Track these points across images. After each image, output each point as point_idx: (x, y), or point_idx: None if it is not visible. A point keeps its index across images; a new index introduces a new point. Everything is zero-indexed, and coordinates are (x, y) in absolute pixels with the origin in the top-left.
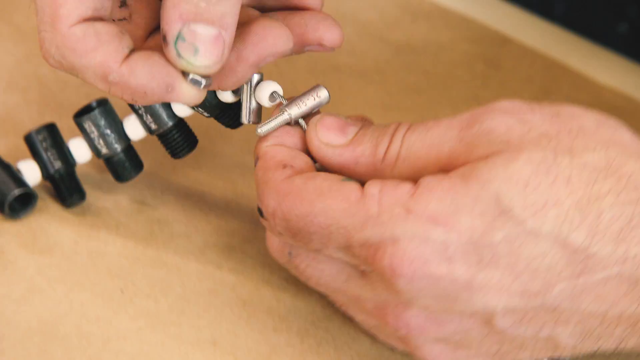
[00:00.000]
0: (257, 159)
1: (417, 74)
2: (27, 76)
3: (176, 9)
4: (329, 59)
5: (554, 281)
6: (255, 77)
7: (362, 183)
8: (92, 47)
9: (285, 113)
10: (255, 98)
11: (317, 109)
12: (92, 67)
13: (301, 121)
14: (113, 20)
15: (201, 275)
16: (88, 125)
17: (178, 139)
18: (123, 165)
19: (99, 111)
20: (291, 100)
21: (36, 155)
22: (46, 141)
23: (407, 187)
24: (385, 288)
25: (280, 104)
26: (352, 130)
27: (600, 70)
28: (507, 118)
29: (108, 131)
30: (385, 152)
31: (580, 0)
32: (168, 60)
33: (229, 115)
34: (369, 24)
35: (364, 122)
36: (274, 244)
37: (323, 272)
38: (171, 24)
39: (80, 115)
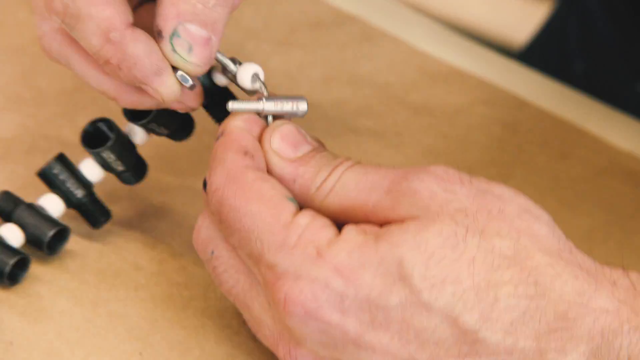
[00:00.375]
0: (221, 133)
1: (434, 137)
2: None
3: (174, 7)
4: (347, 121)
5: (441, 356)
6: (235, 66)
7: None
8: (105, 0)
9: (260, 103)
10: (237, 80)
11: (290, 117)
12: (98, 19)
13: (270, 119)
14: None
15: (219, 339)
16: (106, 154)
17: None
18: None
19: (114, 139)
20: (272, 96)
21: (55, 188)
22: (62, 173)
23: (330, 232)
24: (280, 320)
25: (260, 94)
26: (304, 148)
27: (618, 135)
28: (434, 184)
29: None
30: (322, 182)
31: (599, 59)
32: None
33: (219, 104)
34: (387, 86)
35: (319, 146)
36: (200, 236)
37: (237, 282)
38: (168, 21)
39: (91, 142)
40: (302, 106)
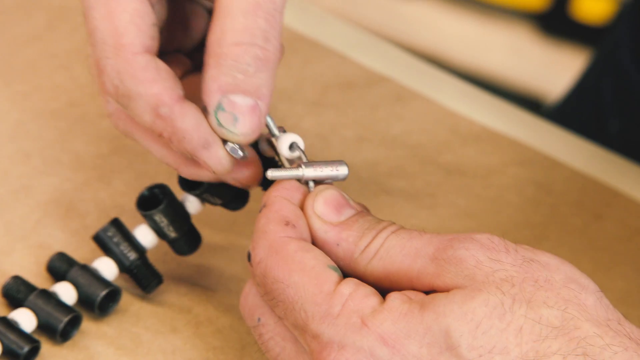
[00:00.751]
0: (263, 205)
1: (468, 198)
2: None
3: (215, 82)
4: (380, 182)
5: None
6: (278, 133)
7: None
8: (152, 77)
9: (300, 170)
10: (277, 148)
11: (331, 181)
12: (147, 97)
13: (311, 184)
14: None
15: None
16: (158, 217)
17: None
18: (184, 243)
19: (166, 203)
20: (312, 161)
21: (109, 252)
22: (116, 236)
23: (374, 301)
24: None
25: (300, 161)
26: (347, 212)
27: None
28: (479, 253)
29: (172, 218)
30: (366, 247)
31: (634, 118)
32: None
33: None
34: (419, 146)
35: (362, 210)
36: (247, 303)
37: (284, 350)
38: (211, 96)
39: (146, 206)
40: (343, 169)
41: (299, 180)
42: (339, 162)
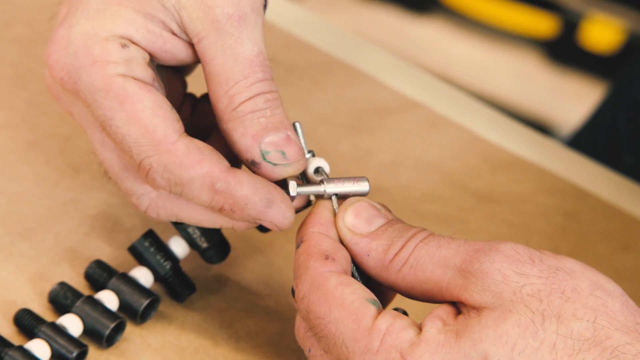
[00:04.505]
0: (300, 241)
1: (498, 224)
2: None
3: (247, 137)
4: (414, 206)
5: None
6: (308, 155)
7: (385, 297)
8: (198, 159)
9: (322, 186)
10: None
11: (352, 196)
12: (200, 178)
13: (334, 199)
14: None
15: None
16: (192, 229)
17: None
18: (215, 253)
19: None
20: (333, 178)
21: (145, 262)
22: (152, 246)
23: (411, 333)
24: None
25: (321, 176)
26: (377, 222)
27: None
28: (505, 266)
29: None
30: (395, 255)
31: None
32: (266, 178)
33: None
34: (451, 172)
35: (393, 219)
36: (300, 334)
37: None
38: (252, 149)
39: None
40: (363, 185)
41: (321, 195)
42: (361, 177)
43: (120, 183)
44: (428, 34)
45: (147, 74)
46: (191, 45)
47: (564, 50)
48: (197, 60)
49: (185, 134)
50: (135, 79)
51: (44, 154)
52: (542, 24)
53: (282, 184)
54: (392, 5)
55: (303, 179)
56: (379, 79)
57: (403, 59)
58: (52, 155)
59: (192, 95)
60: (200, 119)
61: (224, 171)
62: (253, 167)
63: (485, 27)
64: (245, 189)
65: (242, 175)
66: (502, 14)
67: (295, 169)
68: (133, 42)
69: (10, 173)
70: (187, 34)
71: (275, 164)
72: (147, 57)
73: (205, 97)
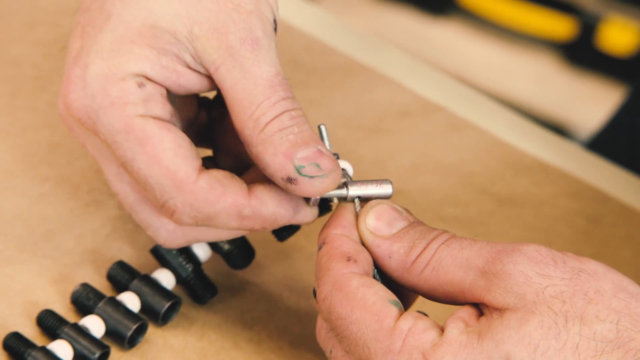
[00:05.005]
0: (322, 243)
1: (519, 228)
2: None
3: (278, 155)
4: (434, 209)
5: None
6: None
7: (406, 299)
8: (221, 192)
9: (344, 189)
10: None
11: (375, 198)
12: (226, 210)
13: (357, 202)
14: None
15: None
16: None
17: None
18: (238, 256)
19: None
20: (357, 180)
21: (167, 264)
22: (175, 249)
23: (433, 334)
24: None
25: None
26: (399, 225)
27: None
28: (528, 267)
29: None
30: (417, 257)
31: None
32: (305, 194)
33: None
34: (472, 175)
35: (415, 221)
36: (321, 336)
37: None
38: (285, 166)
39: None
40: (387, 187)
41: (344, 198)
42: (384, 180)
43: (135, 215)
44: (444, 36)
45: (166, 110)
46: (206, 77)
47: (582, 53)
48: (213, 89)
49: (203, 167)
50: (154, 118)
51: (66, 155)
52: (560, 26)
53: None
54: (409, 7)
55: None
56: (399, 82)
57: (424, 62)
58: (74, 156)
59: (205, 99)
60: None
61: (246, 197)
62: (290, 184)
63: (502, 30)
64: (270, 207)
65: (263, 193)
66: (519, 16)
67: (333, 179)
68: (149, 79)
69: (33, 174)
70: (202, 65)
71: (312, 177)
72: (164, 92)
73: (218, 98)
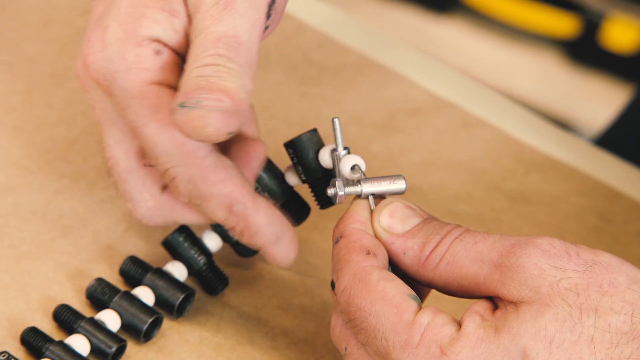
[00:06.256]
0: (340, 236)
1: (531, 225)
2: None
3: (180, 94)
4: (447, 205)
5: None
6: (343, 152)
7: (420, 295)
8: (223, 178)
9: (358, 186)
10: (339, 169)
11: (389, 194)
12: (221, 196)
13: (371, 199)
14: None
15: None
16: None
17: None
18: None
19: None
20: (370, 177)
21: (179, 256)
22: (186, 241)
23: (451, 329)
24: None
25: (359, 177)
26: (412, 222)
27: None
28: (541, 260)
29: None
30: (431, 252)
31: None
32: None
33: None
34: (484, 172)
35: (429, 217)
36: (335, 333)
37: None
38: (176, 100)
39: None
40: (400, 183)
41: (358, 195)
42: (397, 176)
43: (121, 184)
44: (448, 34)
45: None
46: None
47: (585, 51)
48: None
49: (217, 150)
50: (169, 87)
51: (81, 151)
52: (563, 24)
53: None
54: (412, 5)
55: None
56: (411, 79)
57: (435, 59)
58: (89, 153)
59: None
60: None
61: (245, 195)
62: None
63: (506, 27)
64: (260, 218)
65: (261, 204)
66: (522, 14)
67: (209, 112)
68: (163, 44)
69: (49, 170)
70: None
71: (186, 106)
72: (180, 62)
73: None
